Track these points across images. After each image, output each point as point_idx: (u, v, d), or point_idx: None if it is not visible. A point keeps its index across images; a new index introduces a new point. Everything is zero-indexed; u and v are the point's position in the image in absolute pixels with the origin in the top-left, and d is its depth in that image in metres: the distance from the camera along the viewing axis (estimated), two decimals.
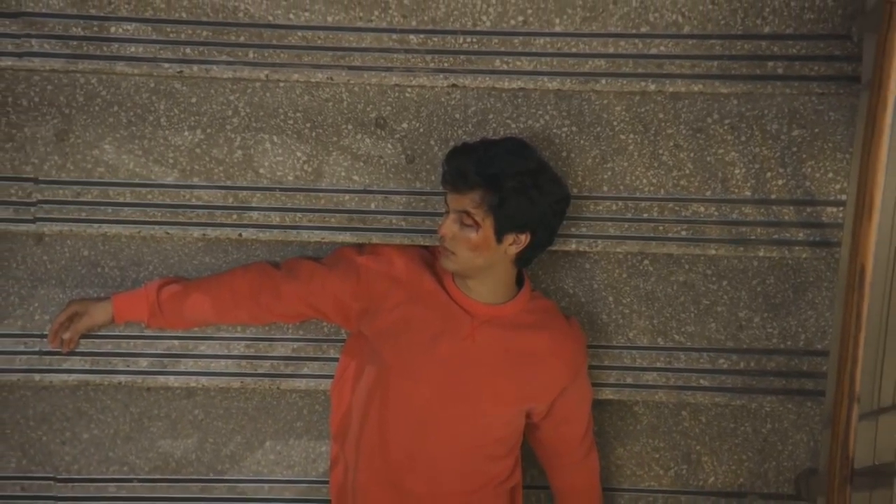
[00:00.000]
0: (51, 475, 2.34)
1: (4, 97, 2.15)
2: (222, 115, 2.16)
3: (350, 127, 2.18)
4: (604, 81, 2.13)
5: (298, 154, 2.18)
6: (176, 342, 2.26)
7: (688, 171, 2.19)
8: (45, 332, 2.24)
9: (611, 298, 2.28)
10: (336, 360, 2.24)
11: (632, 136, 2.18)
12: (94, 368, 2.25)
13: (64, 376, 2.25)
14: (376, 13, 2.12)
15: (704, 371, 2.28)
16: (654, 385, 2.28)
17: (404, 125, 2.18)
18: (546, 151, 2.15)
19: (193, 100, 2.16)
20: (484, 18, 2.13)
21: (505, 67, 2.13)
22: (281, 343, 2.27)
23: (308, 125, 2.18)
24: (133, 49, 2.10)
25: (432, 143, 2.18)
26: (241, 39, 2.12)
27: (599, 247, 2.20)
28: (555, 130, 2.18)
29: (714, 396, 2.28)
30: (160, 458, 2.35)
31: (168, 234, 2.20)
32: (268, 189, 2.19)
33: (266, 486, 2.36)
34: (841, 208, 2.18)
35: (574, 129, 2.18)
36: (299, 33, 2.12)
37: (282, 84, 2.16)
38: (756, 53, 2.13)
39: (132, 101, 2.15)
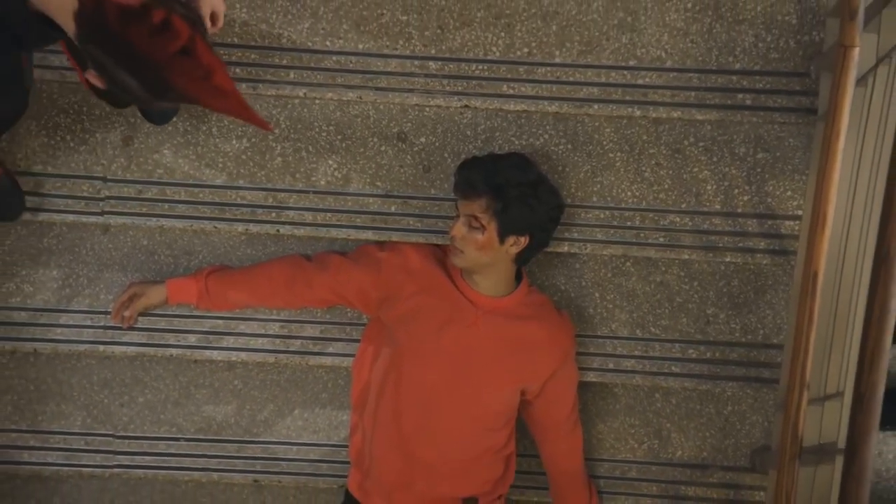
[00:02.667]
0: (111, 433, 2.36)
1: (80, 107, 2.17)
2: None
3: (375, 140, 2.20)
4: (596, 107, 2.15)
5: (330, 162, 2.20)
6: (220, 322, 2.28)
7: (666, 186, 2.22)
8: (108, 310, 2.26)
9: (597, 294, 2.30)
10: (358, 341, 2.26)
11: (619, 154, 2.21)
12: (149, 342, 2.27)
13: (124, 348, 2.27)
14: (401, 42, 2.15)
15: (676, 359, 2.29)
16: (632, 370, 2.29)
17: (422, 139, 2.21)
18: (544, 165, 2.18)
19: None
20: (494, 49, 2.15)
21: (511, 92, 2.15)
22: (310, 325, 2.29)
23: (339, 137, 2.20)
24: None
25: (446, 155, 2.21)
26: (284, 62, 2.13)
27: (588, 249, 2.23)
28: (552, 148, 2.21)
29: (683, 382, 2.30)
30: (204, 421, 2.37)
31: (216, 228, 2.23)
32: (303, 192, 2.21)
33: (294, 448, 2.38)
34: (797, 222, 2.19)
35: (569, 147, 2.21)
36: (334, 58, 2.14)
37: (317, 101, 2.18)
38: (728, 86, 2.14)
39: (188, 112, 2.17)
